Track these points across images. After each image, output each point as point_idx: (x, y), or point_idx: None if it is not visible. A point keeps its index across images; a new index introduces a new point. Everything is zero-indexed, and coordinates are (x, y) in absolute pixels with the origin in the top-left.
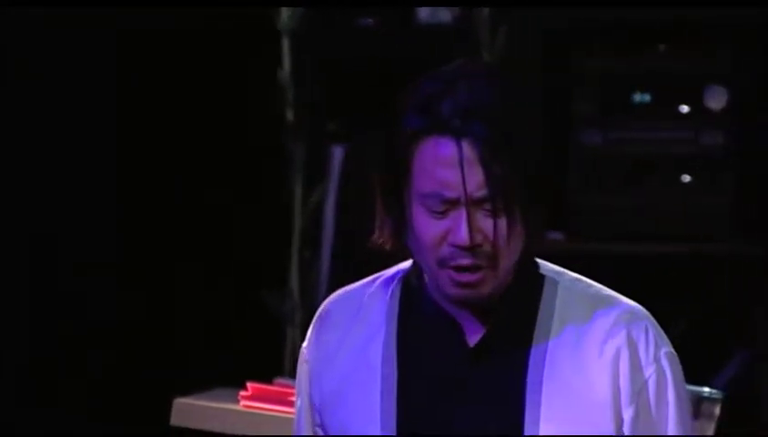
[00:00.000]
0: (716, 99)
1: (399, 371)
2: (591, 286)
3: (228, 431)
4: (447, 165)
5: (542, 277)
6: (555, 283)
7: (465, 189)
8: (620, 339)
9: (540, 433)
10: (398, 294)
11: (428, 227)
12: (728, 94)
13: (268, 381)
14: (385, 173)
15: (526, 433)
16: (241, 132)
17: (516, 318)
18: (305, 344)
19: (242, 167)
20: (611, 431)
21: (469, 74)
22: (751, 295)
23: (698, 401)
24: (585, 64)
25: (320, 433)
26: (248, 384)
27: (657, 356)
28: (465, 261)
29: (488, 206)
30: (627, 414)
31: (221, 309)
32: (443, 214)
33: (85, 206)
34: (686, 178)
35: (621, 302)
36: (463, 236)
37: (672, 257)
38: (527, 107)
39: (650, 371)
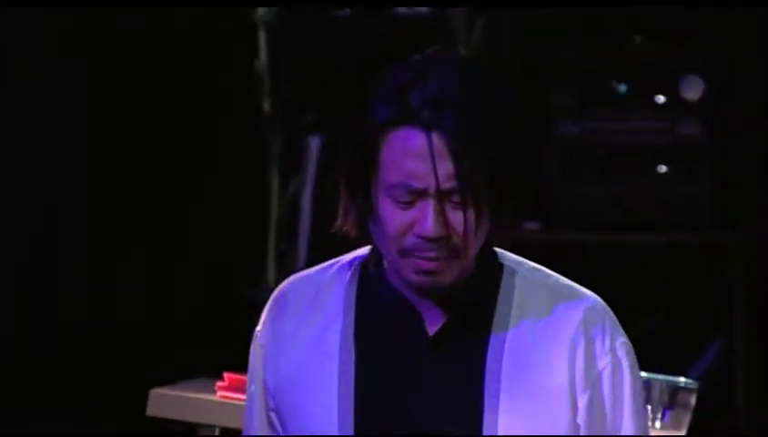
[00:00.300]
0: (692, 90)
1: (356, 358)
2: (549, 276)
3: (205, 421)
4: (415, 156)
5: (501, 266)
6: (514, 273)
7: (435, 181)
8: (577, 329)
9: (499, 421)
10: (355, 280)
11: (393, 217)
12: (704, 84)
13: (245, 371)
14: (353, 162)
15: (485, 421)
16: (217, 123)
17: (475, 307)
18: (259, 328)
19: (219, 158)
20: (567, 418)
21: (440, 64)
22: (727, 284)
23: (674, 390)
24: (562, 55)
25: (274, 418)
26: (225, 374)
27: (613, 346)
28: (429, 253)
29: (455, 198)
30: (582, 402)
31: (198, 300)
32: (409, 204)
33: (58, 202)
34: (663, 169)
35: (579, 293)
36: (429, 227)
37: (648, 246)
38: (500, 97)
39: (605, 361)
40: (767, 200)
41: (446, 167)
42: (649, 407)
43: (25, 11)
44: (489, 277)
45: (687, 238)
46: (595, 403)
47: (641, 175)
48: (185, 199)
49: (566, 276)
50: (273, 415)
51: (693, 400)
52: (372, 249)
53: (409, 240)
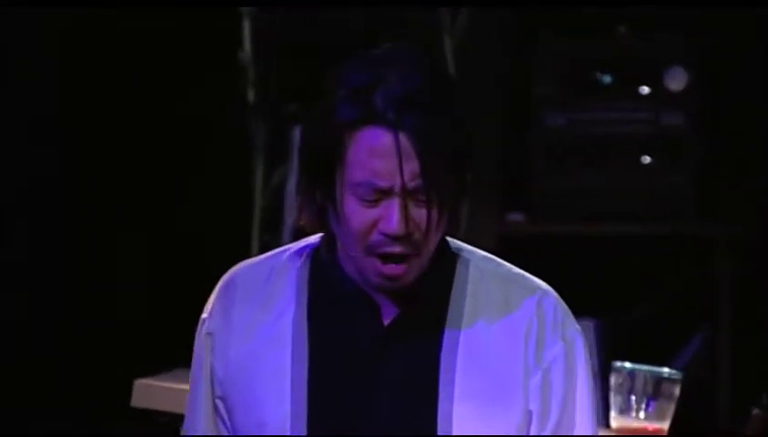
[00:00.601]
0: (677, 80)
1: (310, 346)
2: (501, 265)
3: None
4: (380, 155)
5: (455, 256)
6: (467, 263)
7: (402, 180)
8: (530, 318)
9: (454, 412)
10: (307, 268)
11: (358, 215)
12: (688, 75)
13: None
14: (317, 161)
15: (440, 410)
16: (202, 113)
17: (430, 298)
18: (205, 315)
19: (203, 148)
20: (521, 407)
21: (400, 62)
22: (712, 275)
23: (658, 381)
24: (547, 46)
25: (220, 406)
26: None
27: (564, 334)
28: (393, 249)
29: (419, 196)
30: (534, 391)
31: (182, 290)
32: (374, 202)
33: (35, 198)
34: (647, 159)
35: (531, 282)
36: (394, 225)
37: (633, 237)
38: (455, 93)
39: (557, 349)
40: (752, 191)
41: (412, 166)
42: (633, 397)
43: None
44: (443, 268)
45: (672, 229)
46: (547, 391)
47: (626, 166)
48: (168, 189)
49: (551, 267)
50: (219, 403)
51: (677, 390)
52: (324, 238)
53: (375, 238)
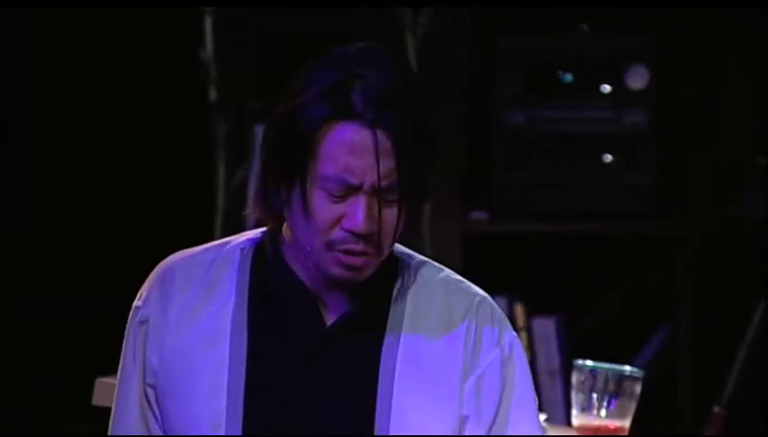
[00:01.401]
0: (638, 79)
1: (249, 343)
2: (440, 270)
3: None
4: (355, 151)
5: (397, 260)
6: (408, 266)
7: (377, 178)
8: (467, 322)
9: (392, 412)
10: (248, 262)
11: (324, 209)
12: (649, 73)
13: None
14: (284, 154)
15: (378, 412)
16: (163, 111)
17: (373, 300)
18: (139, 303)
19: (164, 146)
20: (457, 413)
21: (373, 61)
22: (672, 273)
23: (619, 379)
24: (507, 44)
25: (150, 394)
26: None
27: (501, 340)
28: (355, 247)
29: (388, 196)
30: (468, 395)
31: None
32: (341, 198)
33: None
34: (608, 158)
35: (469, 288)
36: (360, 222)
37: (594, 236)
38: (423, 95)
39: (493, 354)
40: (712, 190)
41: (387, 164)
42: (594, 395)
43: None
44: (386, 271)
45: (633, 227)
46: (480, 396)
47: (587, 164)
48: (129, 188)
49: (513, 265)
50: (150, 391)
51: (639, 388)
52: (268, 233)
53: (337, 234)
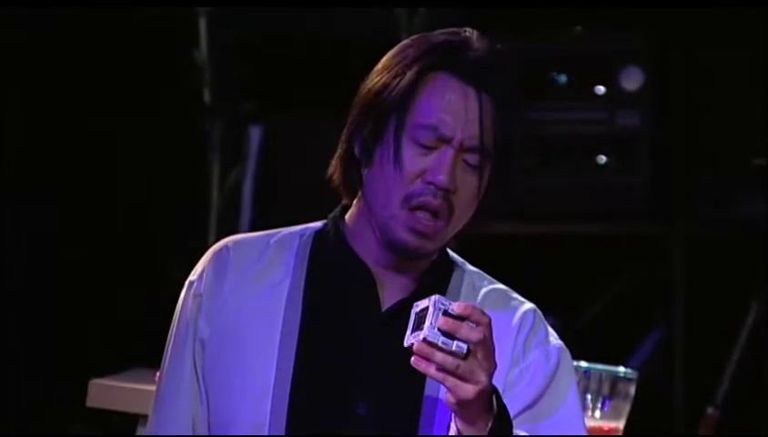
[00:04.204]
0: (632, 80)
1: (302, 319)
2: (492, 280)
3: (145, 412)
4: (451, 104)
5: (452, 264)
6: (463, 270)
7: (472, 132)
8: (517, 330)
9: (439, 403)
10: (308, 248)
11: (411, 159)
12: (643, 75)
13: None
14: (378, 108)
15: (426, 394)
16: (158, 112)
17: (429, 290)
18: (194, 278)
19: (159, 147)
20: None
21: (476, 38)
22: (666, 274)
23: (614, 381)
24: (502, 45)
25: (199, 364)
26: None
27: (548, 347)
28: (433, 200)
29: (471, 158)
30: (511, 383)
31: (138, 289)
32: (429, 150)
33: None
34: (602, 159)
35: (517, 298)
36: (444, 175)
37: (588, 237)
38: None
39: (540, 353)
40: (705, 191)
41: (477, 124)
42: (588, 397)
43: None
44: (442, 271)
45: (626, 229)
46: (523, 385)
47: (581, 165)
48: (124, 189)
49: (506, 266)
50: (199, 361)
51: (633, 389)
52: (331, 220)
53: (417, 186)
